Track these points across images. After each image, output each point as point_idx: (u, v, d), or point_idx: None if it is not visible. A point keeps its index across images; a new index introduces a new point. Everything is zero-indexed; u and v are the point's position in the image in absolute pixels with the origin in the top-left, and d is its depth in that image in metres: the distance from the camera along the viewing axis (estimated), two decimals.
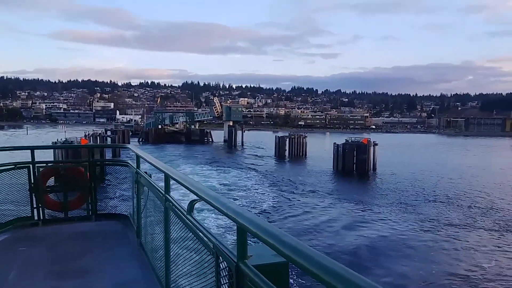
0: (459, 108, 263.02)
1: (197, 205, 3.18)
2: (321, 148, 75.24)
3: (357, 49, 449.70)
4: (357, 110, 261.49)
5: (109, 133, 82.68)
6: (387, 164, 53.60)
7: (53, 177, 7.69)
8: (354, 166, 49.88)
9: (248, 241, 2.27)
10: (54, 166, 7.91)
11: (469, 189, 38.42)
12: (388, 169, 50.66)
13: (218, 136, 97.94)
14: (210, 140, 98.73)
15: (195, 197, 3.00)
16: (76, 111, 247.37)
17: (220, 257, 2.56)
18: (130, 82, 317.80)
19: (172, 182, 3.93)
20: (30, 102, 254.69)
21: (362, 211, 29.37)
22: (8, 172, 7.10)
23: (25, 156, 7.43)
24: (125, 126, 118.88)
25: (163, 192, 4.21)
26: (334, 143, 52.51)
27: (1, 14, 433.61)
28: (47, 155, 7.17)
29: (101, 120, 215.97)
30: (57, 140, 49.94)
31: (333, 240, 22.07)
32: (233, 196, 32.97)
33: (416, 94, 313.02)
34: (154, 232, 5.07)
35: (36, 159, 7.44)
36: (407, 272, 17.62)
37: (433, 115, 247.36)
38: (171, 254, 4.03)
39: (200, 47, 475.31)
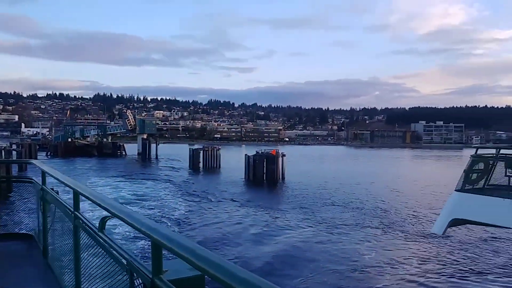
0: (367, 122, 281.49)
1: (114, 221, 3.04)
2: (235, 159, 77.57)
3: (272, 63, 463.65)
4: (273, 123, 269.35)
5: (14, 146, 78.59)
6: (296, 174, 57.12)
7: None
8: (264, 176, 52.62)
9: (166, 257, 2.27)
10: None
11: (364, 194, 42.43)
12: (296, 178, 53.99)
13: (132, 149, 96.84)
14: (123, 153, 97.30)
15: (107, 213, 2.92)
16: None
17: (135, 274, 2.51)
18: (36, 94, 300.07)
19: (82, 198, 3.75)
20: None
21: (269, 216, 31.62)
22: None
23: None
24: (31, 139, 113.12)
25: (72, 209, 4.07)
26: (245, 154, 55.02)
27: None
28: None
29: (5, 133, 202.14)
30: None
31: (243, 246, 23.75)
32: (146, 206, 33.91)
33: (328, 108, 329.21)
34: (63, 252, 4.85)
35: None
36: (307, 268, 19.94)
37: (343, 128, 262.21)
38: (82, 273, 3.86)
39: (113, 58, 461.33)
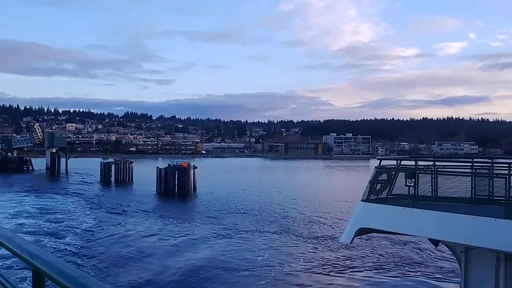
0: (284, 134, 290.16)
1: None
2: (148, 172, 77.55)
3: (191, 76, 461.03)
4: (191, 135, 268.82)
5: None
6: (207, 185, 58.94)
7: None
8: (175, 188, 53.81)
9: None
10: None
11: (268, 203, 45.29)
12: (207, 189, 55.79)
13: (40, 163, 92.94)
14: (30, 168, 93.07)
15: None
16: None
17: None
18: None
19: None
20: None
21: (174, 226, 33.12)
22: None
23: None
24: None
25: None
26: (157, 167, 55.89)
27: None
28: None
29: None
30: None
31: (146, 260, 24.85)
32: (51, 219, 33.93)
33: (246, 121, 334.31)
34: None
35: None
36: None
37: (260, 140, 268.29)
38: None
39: (19, 67, 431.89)
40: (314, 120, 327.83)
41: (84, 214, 38.22)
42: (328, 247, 26.54)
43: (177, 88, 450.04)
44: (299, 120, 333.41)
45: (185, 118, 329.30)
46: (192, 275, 20.39)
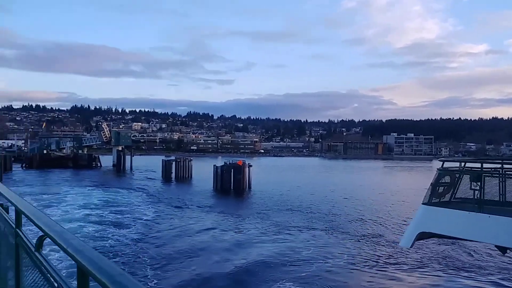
0: (344, 134, 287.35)
1: None
2: (207, 170, 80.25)
3: (251, 75, 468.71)
4: (251, 135, 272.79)
5: None
6: (263, 183, 60.49)
7: None
8: (231, 185, 55.66)
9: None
10: None
11: (321, 201, 45.93)
12: (262, 187, 57.24)
13: (107, 161, 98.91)
14: (99, 164, 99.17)
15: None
16: None
17: None
18: (11, 105, 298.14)
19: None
20: None
21: (227, 220, 34.73)
22: None
23: None
24: (6, 151, 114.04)
25: (14, 226, 3.91)
26: (214, 165, 58.11)
27: None
28: None
29: None
30: None
31: (205, 251, 26.40)
32: (115, 211, 36.67)
33: (306, 120, 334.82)
34: (6, 271, 4.67)
35: None
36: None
37: (320, 140, 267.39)
38: None
39: (91, 69, 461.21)
40: (376, 119, 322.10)
41: (145, 207, 40.75)
42: (377, 246, 26.87)
43: (238, 88, 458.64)
44: (361, 120, 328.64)
45: (245, 118, 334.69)
46: (237, 267, 21.69)
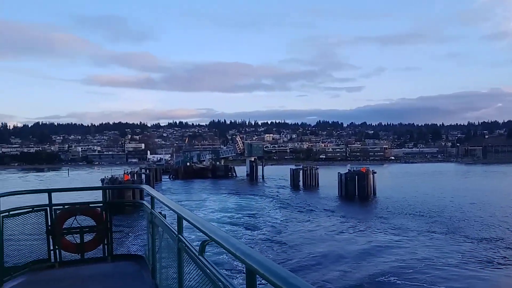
0: (486, 136, 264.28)
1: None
2: (334, 178, 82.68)
3: (381, 81, 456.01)
4: (382, 141, 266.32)
5: (143, 171, 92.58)
6: (389, 189, 61.26)
7: (70, 219, 7.74)
8: (356, 192, 57.46)
9: (258, 284, 2.24)
10: (71, 208, 7.89)
11: (447, 207, 45.46)
12: (387, 193, 57.97)
13: (241, 171, 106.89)
14: (234, 174, 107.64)
15: (206, 237, 3.00)
16: (110, 152, 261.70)
17: None
18: (159, 123, 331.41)
19: (185, 223, 3.95)
20: (66, 145, 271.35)
21: (348, 224, 37.05)
22: (25, 215, 7.18)
23: (43, 199, 7.63)
24: (157, 165, 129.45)
25: (176, 233, 4.22)
26: (338, 172, 60.54)
27: (33, 62, 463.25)
28: (94, 195, 8.71)
29: (133, 160, 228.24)
30: (105, 177, 59.43)
31: (323, 247, 29.08)
32: (247, 214, 41.44)
33: (442, 124, 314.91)
34: (168, 273, 5.11)
35: (54, 201, 7.61)
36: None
37: (458, 144, 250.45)
38: None
39: (225, 86, 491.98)
40: None
41: (274, 211, 44.91)
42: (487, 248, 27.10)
43: (368, 94, 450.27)
44: (505, 121, 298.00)
45: (376, 124, 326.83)
46: (353, 265, 24.22)
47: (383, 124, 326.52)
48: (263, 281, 2.04)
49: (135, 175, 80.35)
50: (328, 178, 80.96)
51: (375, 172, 58.99)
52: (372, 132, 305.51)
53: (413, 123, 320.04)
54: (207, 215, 41.18)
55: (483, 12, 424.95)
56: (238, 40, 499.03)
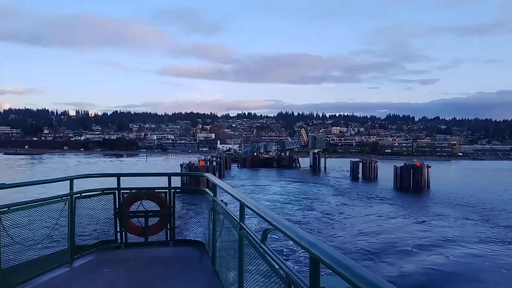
0: None
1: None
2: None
3: (458, 73, 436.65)
4: (453, 137, 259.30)
5: (214, 159, 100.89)
6: (444, 183, 64.53)
7: (136, 203, 8.14)
8: (410, 184, 61.35)
9: (322, 272, 2.28)
10: (137, 192, 8.24)
11: (493, 200, 48.45)
12: (442, 187, 61.31)
13: (305, 162, 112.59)
14: (298, 165, 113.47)
15: (268, 226, 3.03)
16: (182, 141, 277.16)
17: (292, 287, 2.59)
18: (228, 113, 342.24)
19: (247, 210, 4.04)
20: (143, 133, 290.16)
21: (402, 211, 41.57)
22: (96, 197, 7.69)
23: (112, 183, 8.06)
24: (226, 154, 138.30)
25: (238, 220, 4.29)
26: (394, 166, 64.67)
27: (112, 54, 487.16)
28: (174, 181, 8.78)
29: (204, 149, 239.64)
30: (183, 162, 67.53)
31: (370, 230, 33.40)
32: (305, 198, 47.38)
33: None
34: (228, 259, 5.16)
35: (122, 185, 8.03)
36: None
37: None
38: (244, 281, 4.08)
39: (294, 77, 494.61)
40: None
41: (331, 198, 50.32)
42: None
43: (443, 87, 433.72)
44: None
45: (450, 119, 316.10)
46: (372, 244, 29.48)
47: (457, 119, 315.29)
48: (327, 270, 2.12)
49: (208, 162, 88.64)
50: (390, 171, 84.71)
51: (429, 166, 62.51)
52: (445, 127, 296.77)
53: (491, 119, 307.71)
54: (270, 198, 47.50)
55: None
56: (308, 31, 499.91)
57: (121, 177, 8.05)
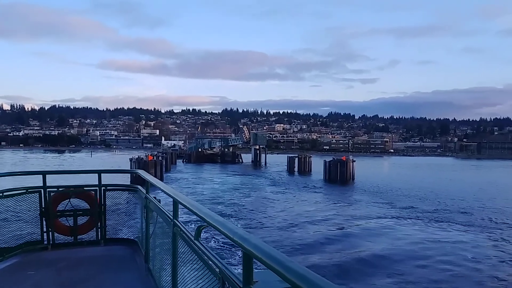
0: (496, 133, 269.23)
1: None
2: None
3: (396, 73, 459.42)
4: (389, 135, 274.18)
5: (160, 155, 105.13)
6: (367, 176, 73.20)
7: (64, 202, 7.70)
8: (337, 176, 69.37)
9: (255, 268, 2.33)
10: (65, 190, 7.78)
11: (415, 192, 55.90)
12: (364, 179, 69.69)
13: (247, 157, 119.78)
14: (240, 160, 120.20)
15: (202, 222, 3.04)
16: (126, 137, 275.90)
17: (226, 282, 2.60)
18: (172, 109, 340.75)
19: (181, 207, 3.98)
20: (84, 129, 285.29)
21: (331, 199, 49.04)
22: (19, 196, 7.17)
23: (36, 181, 7.57)
24: (171, 150, 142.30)
25: (171, 217, 4.24)
26: (324, 160, 72.60)
27: (50, 45, 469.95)
28: (109, 179, 8.33)
29: (149, 145, 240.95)
30: (132, 157, 71.73)
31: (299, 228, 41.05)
32: (244, 187, 53.90)
33: (454, 119, 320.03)
34: (162, 257, 5.09)
35: (50, 183, 7.56)
36: None
37: (464, 140, 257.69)
38: (178, 279, 4.05)
39: (239, 74, 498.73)
40: None
41: (268, 188, 56.99)
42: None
43: (382, 87, 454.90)
44: None
45: (388, 117, 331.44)
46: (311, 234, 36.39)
47: (394, 117, 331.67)
48: (260, 266, 2.15)
49: (155, 156, 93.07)
50: (321, 165, 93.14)
51: (354, 161, 70.91)
52: (382, 125, 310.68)
53: (425, 117, 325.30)
54: (212, 188, 53.43)
55: (503, 6, 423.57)
56: (253, 28, 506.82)
57: (47, 175, 7.65)
